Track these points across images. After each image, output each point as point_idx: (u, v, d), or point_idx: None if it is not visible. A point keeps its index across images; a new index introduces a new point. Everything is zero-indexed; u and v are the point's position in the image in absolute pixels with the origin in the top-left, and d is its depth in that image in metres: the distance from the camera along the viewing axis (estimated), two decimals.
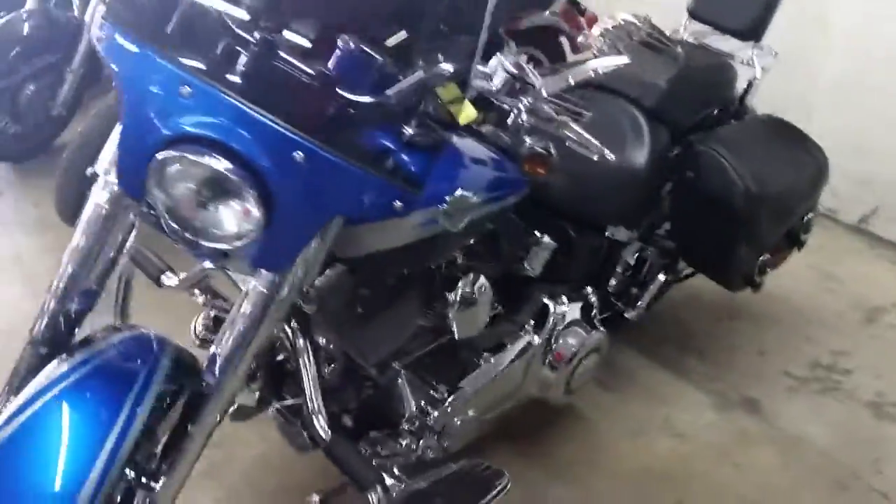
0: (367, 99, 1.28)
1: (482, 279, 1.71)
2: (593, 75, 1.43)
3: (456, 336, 1.72)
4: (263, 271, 1.28)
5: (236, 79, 1.19)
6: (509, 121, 1.42)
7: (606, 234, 2.09)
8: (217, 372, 1.32)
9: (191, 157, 1.14)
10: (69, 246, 1.33)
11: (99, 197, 1.32)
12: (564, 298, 2.03)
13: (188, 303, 1.71)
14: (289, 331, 1.51)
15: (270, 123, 1.13)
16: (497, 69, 1.35)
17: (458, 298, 1.67)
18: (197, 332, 1.63)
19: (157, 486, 1.29)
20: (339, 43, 1.34)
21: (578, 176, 1.97)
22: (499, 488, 1.70)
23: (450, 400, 1.78)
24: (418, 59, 1.28)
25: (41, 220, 3.12)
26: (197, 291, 1.67)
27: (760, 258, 2.20)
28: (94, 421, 1.21)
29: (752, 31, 2.30)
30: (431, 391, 1.79)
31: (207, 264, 1.36)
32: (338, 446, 1.46)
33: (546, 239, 1.93)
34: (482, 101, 1.44)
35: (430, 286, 1.69)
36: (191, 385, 1.35)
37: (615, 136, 2.07)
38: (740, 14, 2.29)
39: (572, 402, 2.37)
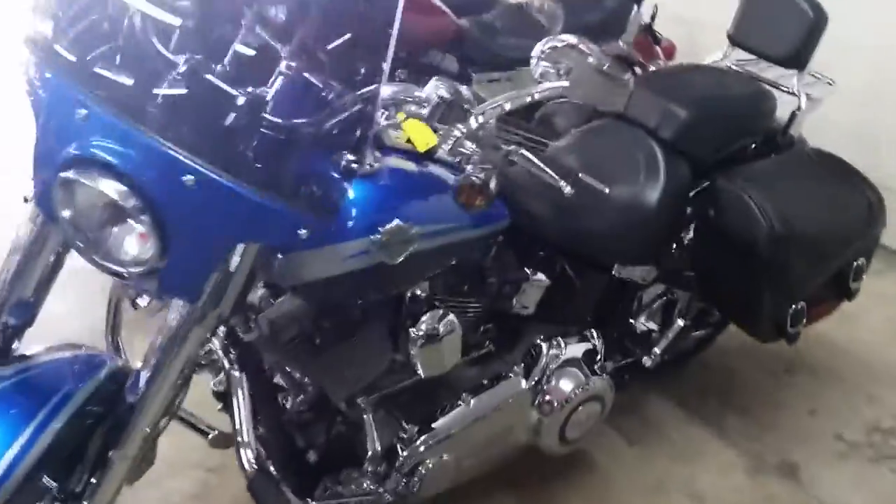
0: (289, 123, 1.24)
1: (450, 316, 1.62)
2: (529, 100, 1.32)
3: (420, 374, 1.63)
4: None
5: (155, 101, 1.18)
6: (446, 148, 1.34)
7: (613, 273, 1.95)
8: (139, 393, 1.31)
9: (83, 180, 1.12)
10: (2, 264, 1.36)
11: (30, 214, 1.34)
12: (560, 340, 1.90)
13: None
14: (225, 361, 1.47)
15: (159, 146, 1.10)
16: (431, 94, 1.27)
17: (419, 334, 1.58)
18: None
19: None
20: (281, 67, 1.31)
21: (579, 210, 1.85)
22: None
23: (420, 440, 1.69)
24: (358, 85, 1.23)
25: None
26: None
27: (793, 307, 1.98)
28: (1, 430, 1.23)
29: (795, 59, 2.10)
30: (400, 430, 1.70)
31: None
32: (259, 482, 1.40)
33: (539, 276, 1.81)
34: None
35: (395, 319, 1.61)
36: (120, 407, 1.34)
37: (626, 170, 1.94)
38: (782, 41, 2.11)
39: (589, 453, 2.22)
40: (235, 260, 1.20)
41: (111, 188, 1.11)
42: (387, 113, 1.34)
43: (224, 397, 1.64)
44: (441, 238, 1.45)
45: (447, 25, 3.42)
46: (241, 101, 1.17)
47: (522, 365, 1.88)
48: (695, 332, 2.39)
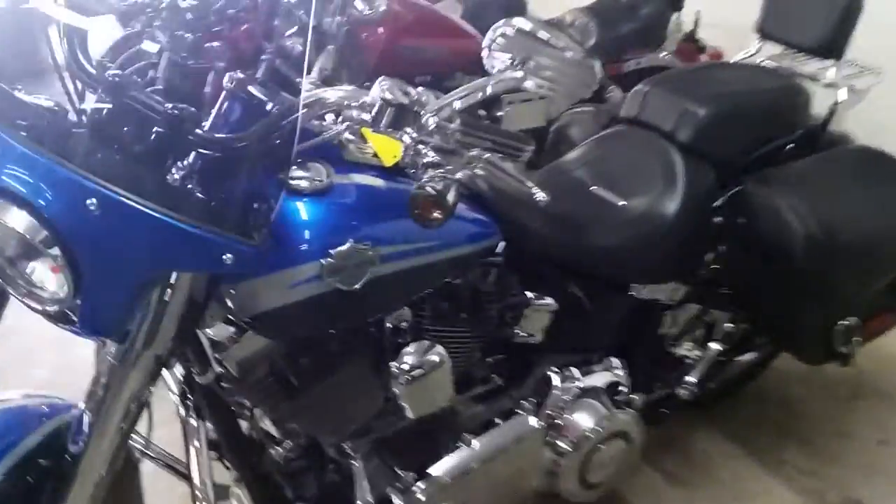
0: (225, 138, 1.12)
1: (437, 347, 1.45)
2: (481, 96, 1.16)
3: (408, 414, 1.47)
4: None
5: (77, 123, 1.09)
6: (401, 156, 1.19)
7: (630, 293, 1.75)
8: (80, 441, 1.20)
9: None
10: None
11: None
12: (573, 370, 1.71)
13: None
14: (181, 407, 1.35)
15: (59, 169, 0.99)
16: (377, 97, 1.13)
17: (402, 369, 1.42)
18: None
19: None
20: (225, 81, 1.20)
21: (588, 224, 1.68)
22: None
23: (418, 489, 1.52)
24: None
25: None
26: None
27: (841, 323, 1.74)
28: None
29: (830, 48, 1.89)
30: (394, 478, 1.54)
31: None
32: None
33: (545, 299, 1.64)
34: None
35: (378, 353, 1.46)
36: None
37: (641, 178, 1.76)
38: (814, 29, 1.90)
39: (623, 496, 2.00)
40: (180, 290, 1.09)
41: (19, 220, 1.01)
42: (331, 122, 1.21)
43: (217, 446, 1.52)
44: (409, 260, 1.30)
45: (474, 47, 3.29)
46: (171, 115, 1.07)
47: (532, 399, 1.70)
48: (742, 356, 2.15)
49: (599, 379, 1.73)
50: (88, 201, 0.99)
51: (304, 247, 1.18)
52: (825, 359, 1.80)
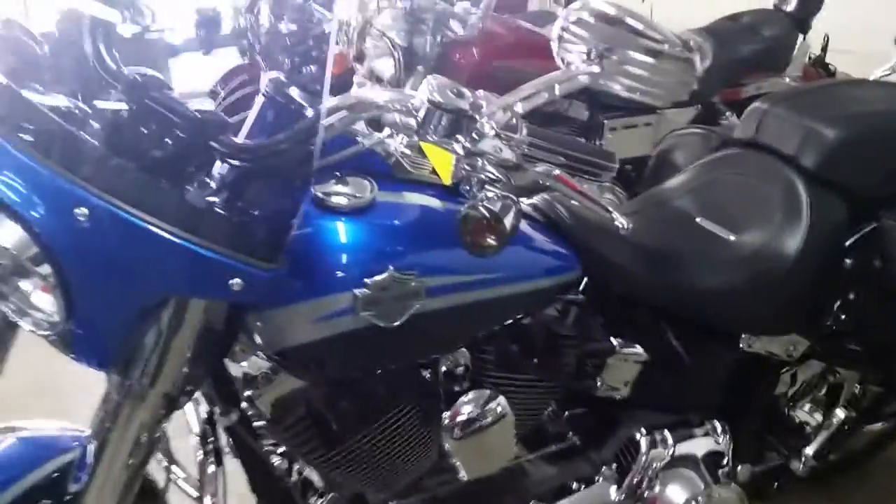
0: (244, 144, 0.97)
1: (498, 398, 1.25)
2: (548, 97, 0.95)
3: (462, 474, 1.26)
4: None
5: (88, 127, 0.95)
6: (451, 170, 1.00)
7: (740, 345, 1.48)
8: (84, 476, 1.05)
9: None
10: None
11: None
12: (667, 434, 1.45)
13: None
14: (201, 451, 1.18)
15: (49, 175, 0.85)
16: (424, 101, 0.94)
17: (456, 422, 1.22)
18: None
19: None
20: (265, 85, 1.05)
21: (691, 262, 1.43)
22: None
23: None
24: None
25: None
26: None
27: None
28: None
29: None
30: None
31: None
32: None
33: (633, 348, 1.40)
34: None
35: (429, 400, 1.26)
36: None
37: (757, 210, 1.49)
38: None
39: None
40: (191, 317, 0.94)
41: (9, 234, 0.88)
42: (375, 134, 1.03)
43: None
44: (464, 294, 1.10)
45: None
46: (194, 118, 0.92)
47: (615, 465, 1.46)
48: (871, 424, 1.82)
49: (697, 446, 1.46)
50: (77, 211, 0.85)
51: (336, 273, 1.01)
52: None
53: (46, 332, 0.94)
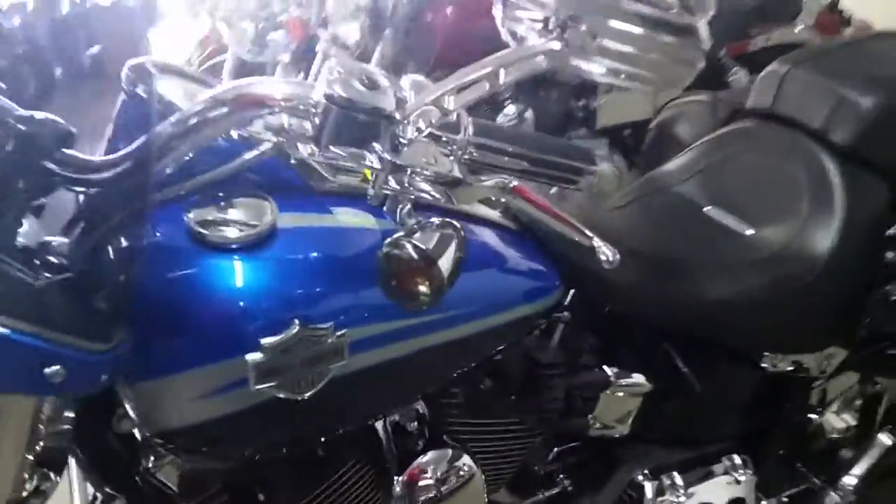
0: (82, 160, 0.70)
1: (463, 458, 0.99)
2: (490, 88, 0.67)
3: None
4: None
5: None
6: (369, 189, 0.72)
7: (763, 365, 1.22)
8: None
9: None
10: None
11: None
12: (675, 477, 1.20)
13: None
14: None
15: None
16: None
17: (408, 491, 0.97)
18: None
19: None
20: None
21: (699, 264, 1.17)
22: None
23: None
24: None
25: None
26: None
27: None
28: None
29: None
30: None
31: None
32: None
33: (632, 378, 1.14)
34: None
35: (375, 464, 1.00)
36: None
37: (777, 195, 1.23)
38: None
39: None
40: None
41: None
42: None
43: None
44: (402, 343, 0.84)
45: None
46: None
47: None
48: None
49: (715, 489, 1.21)
50: None
51: (221, 335, 0.74)
52: None
53: None
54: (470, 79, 0.66)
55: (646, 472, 1.20)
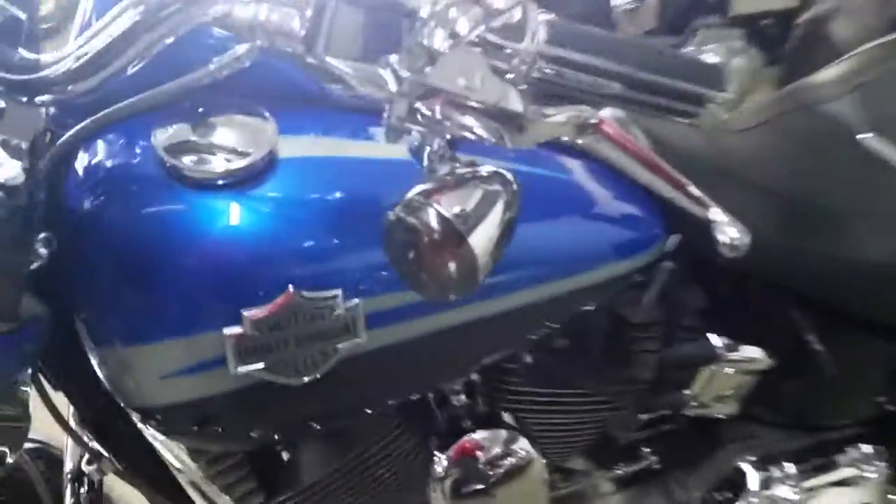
0: None
1: (520, 441, 0.81)
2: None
3: None
4: None
5: None
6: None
7: None
8: None
9: None
10: None
11: None
12: (787, 467, 0.98)
13: None
14: None
15: None
16: None
17: (449, 476, 0.80)
18: None
19: None
20: None
21: (851, 213, 0.92)
22: None
23: None
24: None
25: None
26: None
27: None
28: None
29: None
30: None
31: None
32: None
33: (748, 351, 0.91)
34: None
35: (413, 438, 0.83)
36: None
37: None
38: None
39: None
40: None
41: None
42: None
43: None
44: (439, 316, 0.65)
45: None
46: None
47: (715, 498, 1.01)
48: None
49: (836, 489, 0.99)
50: None
51: (192, 301, 0.57)
52: None
53: None
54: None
55: (749, 457, 0.99)
